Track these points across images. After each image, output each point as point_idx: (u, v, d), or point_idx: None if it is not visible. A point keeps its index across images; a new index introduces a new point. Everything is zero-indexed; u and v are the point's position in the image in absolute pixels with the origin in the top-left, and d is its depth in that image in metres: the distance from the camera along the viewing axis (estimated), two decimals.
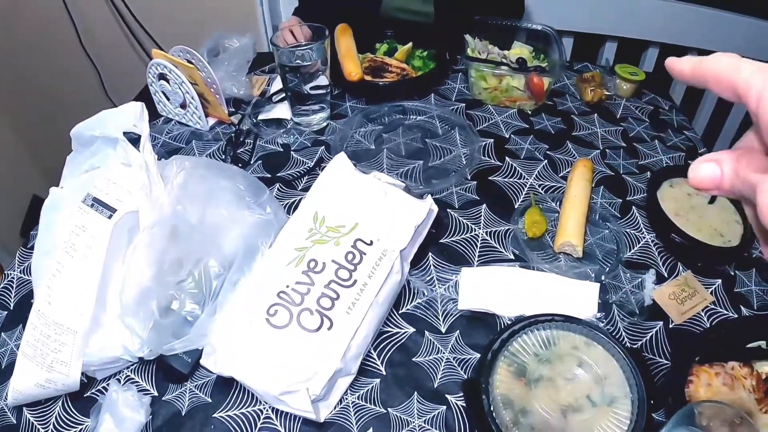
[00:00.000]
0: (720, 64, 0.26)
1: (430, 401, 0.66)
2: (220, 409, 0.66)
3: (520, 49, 1.19)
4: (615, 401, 0.62)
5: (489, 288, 0.77)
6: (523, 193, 0.95)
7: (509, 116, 1.14)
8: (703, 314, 0.77)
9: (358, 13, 1.34)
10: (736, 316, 0.77)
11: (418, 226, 0.74)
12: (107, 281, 0.65)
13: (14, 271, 0.83)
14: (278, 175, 0.99)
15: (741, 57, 0.25)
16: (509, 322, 0.72)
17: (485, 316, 0.75)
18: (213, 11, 1.70)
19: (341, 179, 0.77)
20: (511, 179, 0.98)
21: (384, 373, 0.69)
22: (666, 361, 0.72)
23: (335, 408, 0.65)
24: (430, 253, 0.83)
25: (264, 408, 0.66)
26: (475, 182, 0.97)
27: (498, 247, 0.85)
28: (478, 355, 0.70)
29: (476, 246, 0.85)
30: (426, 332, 0.73)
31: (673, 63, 0.28)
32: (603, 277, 0.80)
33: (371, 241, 0.70)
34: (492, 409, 0.60)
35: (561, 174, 0.99)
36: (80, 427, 0.65)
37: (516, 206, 0.92)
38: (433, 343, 0.72)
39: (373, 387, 0.68)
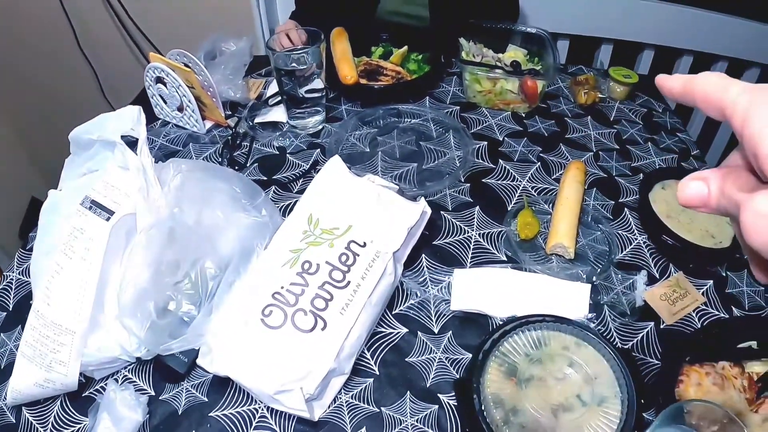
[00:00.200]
0: (708, 83, 0.25)
1: (423, 400, 0.67)
2: (216, 408, 0.67)
3: (514, 53, 1.20)
4: (605, 401, 0.63)
5: (481, 289, 0.78)
6: (516, 195, 0.96)
7: (503, 119, 1.15)
8: (694, 315, 0.78)
9: (354, 16, 1.35)
10: (728, 316, 0.78)
11: (411, 228, 0.75)
12: (105, 282, 0.66)
13: (13, 272, 0.84)
14: (274, 177, 1.00)
15: (728, 76, 0.25)
16: (501, 323, 0.73)
17: (477, 316, 0.76)
18: (210, 14, 1.70)
19: (335, 182, 0.78)
20: (504, 181, 0.99)
21: (377, 372, 0.70)
22: (657, 361, 0.72)
23: (329, 407, 0.66)
24: (423, 255, 0.84)
25: (259, 407, 0.67)
26: (469, 185, 0.98)
27: (490, 248, 0.86)
28: (470, 355, 0.71)
29: (469, 248, 0.86)
30: (419, 333, 0.74)
31: (663, 81, 0.28)
32: (594, 278, 0.81)
33: (364, 243, 0.71)
34: (483, 408, 0.61)
35: (554, 176, 1.00)
36: (78, 426, 0.66)
37: (509, 208, 0.93)
38: (426, 343, 0.73)
39: (366, 386, 0.69)
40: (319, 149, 1.06)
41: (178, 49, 1.08)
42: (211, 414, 0.66)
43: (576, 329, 0.68)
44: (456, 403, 0.67)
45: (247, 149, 1.07)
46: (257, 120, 1.13)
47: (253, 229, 0.74)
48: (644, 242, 0.88)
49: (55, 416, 0.67)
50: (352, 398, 0.68)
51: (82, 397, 0.68)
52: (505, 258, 0.85)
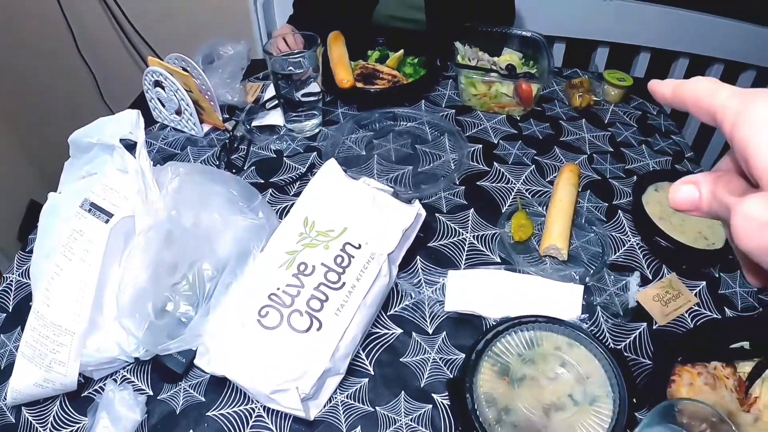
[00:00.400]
0: (698, 87, 0.25)
1: (417, 400, 0.68)
2: (213, 408, 0.67)
3: (509, 56, 1.21)
4: (597, 400, 0.63)
5: (475, 290, 0.79)
6: (510, 197, 0.97)
7: (498, 122, 1.16)
8: (686, 316, 0.79)
9: (350, 20, 1.36)
10: (720, 317, 0.79)
11: (406, 230, 0.76)
12: (104, 284, 0.67)
13: (13, 274, 0.85)
14: (271, 180, 1.01)
15: (719, 81, 0.25)
16: (494, 324, 0.73)
17: (471, 317, 0.77)
18: (208, 18, 1.71)
19: (331, 185, 0.79)
20: (498, 184, 1.00)
21: (372, 372, 0.71)
22: (649, 362, 0.73)
23: (325, 407, 0.67)
24: (418, 257, 0.85)
25: (256, 407, 0.68)
26: (464, 187, 0.99)
27: (485, 250, 0.87)
28: (464, 356, 0.72)
29: (463, 249, 0.87)
30: (413, 333, 0.75)
31: (655, 86, 0.28)
32: (588, 280, 0.81)
33: (360, 245, 0.72)
34: (476, 407, 0.62)
35: (548, 179, 1.01)
36: (77, 425, 0.67)
37: (503, 210, 0.94)
38: (420, 343, 0.74)
39: (361, 386, 0.70)
40: (315, 152, 1.07)
41: (177, 54, 1.09)
42: (208, 413, 0.67)
43: (568, 330, 0.69)
44: (449, 403, 0.67)
45: (244, 152, 1.08)
46: (254, 123, 1.14)
47: (249, 232, 0.75)
48: (637, 244, 0.89)
49: (54, 416, 0.68)
50: (347, 398, 0.69)
51: (81, 396, 0.69)
52: (498, 260, 0.86)
